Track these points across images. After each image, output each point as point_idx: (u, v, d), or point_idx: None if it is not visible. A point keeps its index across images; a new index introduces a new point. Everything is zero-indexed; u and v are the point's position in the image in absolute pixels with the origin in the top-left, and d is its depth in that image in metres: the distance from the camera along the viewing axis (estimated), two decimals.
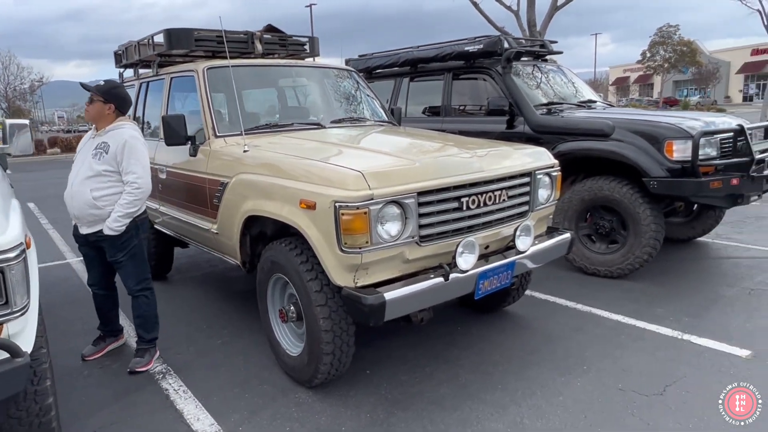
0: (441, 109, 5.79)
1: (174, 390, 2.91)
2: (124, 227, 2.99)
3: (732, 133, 4.16)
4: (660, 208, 4.31)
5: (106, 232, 2.97)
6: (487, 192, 2.80)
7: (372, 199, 2.34)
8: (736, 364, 2.98)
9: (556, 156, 4.77)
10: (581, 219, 4.65)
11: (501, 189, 2.88)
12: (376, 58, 6.59)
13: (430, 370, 3.03)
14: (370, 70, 6.70)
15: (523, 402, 2.68)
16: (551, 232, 3.43)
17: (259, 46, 4.20)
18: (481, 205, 2.78)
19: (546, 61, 6.23)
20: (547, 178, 3.24)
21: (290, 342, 3.00)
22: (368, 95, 4.48)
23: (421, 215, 2.56)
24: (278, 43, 4.50)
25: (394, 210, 2.45)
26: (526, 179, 3.08)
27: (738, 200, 4.25)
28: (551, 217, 3.43)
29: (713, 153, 4.11)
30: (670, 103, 48.49)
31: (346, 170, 2.47)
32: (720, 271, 4.61)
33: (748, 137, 4.11)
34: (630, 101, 57.80)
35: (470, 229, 2.77)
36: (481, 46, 5.28)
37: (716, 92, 55.41)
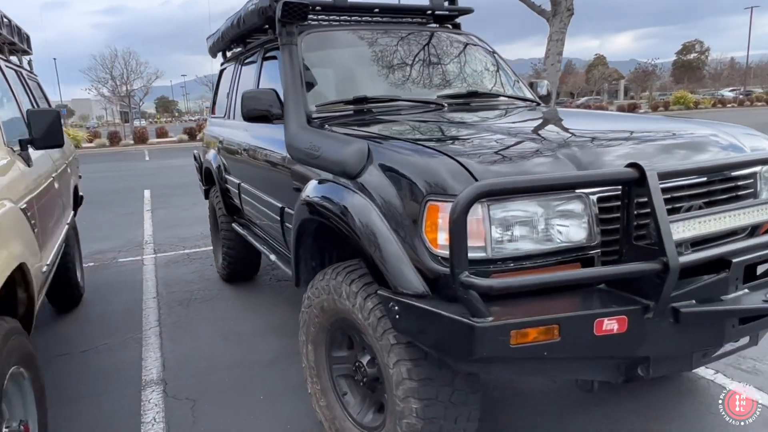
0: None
1: None
2: None
3: (623, 187, 1.49)
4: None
5: None
6: None
7: None
8: None
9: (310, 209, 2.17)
10: (338, 344, 2.24)
11: None
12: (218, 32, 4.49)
13: None
14: (223, 50, 4.64)
15: None
16: None
17: None
18: None
19: (456, 26, 3.71)
20: None
21: None
22: None
23: None
24: None
25: None
26: None
27: (637, 370, 1.56)
28: None
29: (578, 235, 1.51)
30: None
31: None
32: None
33: (654, 196, 1.40)
34: None
35: None
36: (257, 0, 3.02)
37: None
